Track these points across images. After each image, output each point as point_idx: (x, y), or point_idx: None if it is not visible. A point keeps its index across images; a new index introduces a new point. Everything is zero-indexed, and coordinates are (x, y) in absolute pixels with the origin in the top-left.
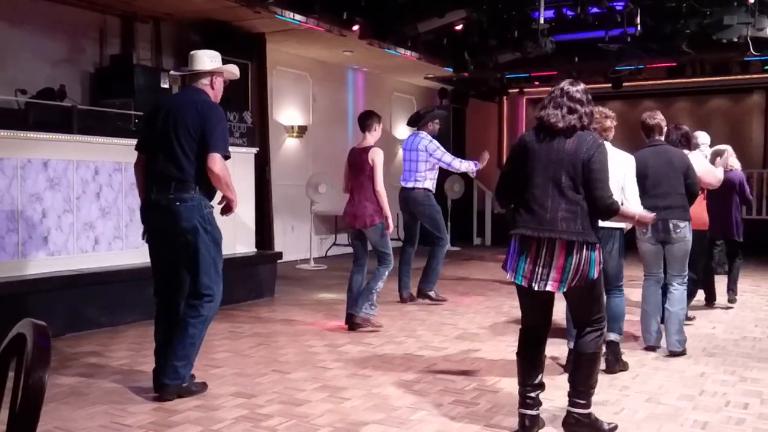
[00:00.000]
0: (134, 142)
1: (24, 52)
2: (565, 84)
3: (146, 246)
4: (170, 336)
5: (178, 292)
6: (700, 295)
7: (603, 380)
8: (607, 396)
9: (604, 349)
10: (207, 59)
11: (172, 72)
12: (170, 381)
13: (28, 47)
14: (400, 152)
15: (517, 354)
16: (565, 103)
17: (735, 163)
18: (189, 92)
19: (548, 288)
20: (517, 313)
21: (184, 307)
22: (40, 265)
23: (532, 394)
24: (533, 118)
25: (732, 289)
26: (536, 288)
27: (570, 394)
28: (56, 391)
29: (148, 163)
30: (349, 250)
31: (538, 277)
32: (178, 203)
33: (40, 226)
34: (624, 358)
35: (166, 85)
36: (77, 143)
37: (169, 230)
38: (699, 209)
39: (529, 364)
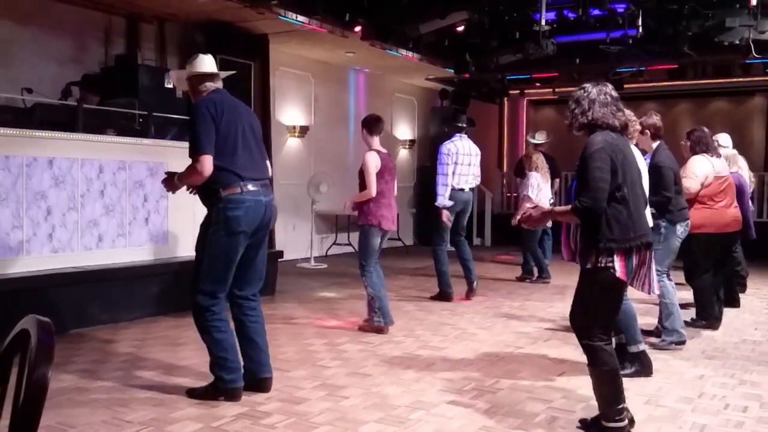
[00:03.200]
0: (138, 140)
1: (30, 51)
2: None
3: (149, 244)
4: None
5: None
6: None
7: None
8: None
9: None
10: None
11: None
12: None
13: (33, 47)
14: (404, 152)
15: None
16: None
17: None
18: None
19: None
20: (517, 312)
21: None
22: (44, 262)
23: None
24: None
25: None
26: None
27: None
28: (59, 387)
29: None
30: (349, 249)
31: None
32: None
33: (45, 224)
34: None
35: (170, 85)
36: (82, 142)
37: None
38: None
39: None
